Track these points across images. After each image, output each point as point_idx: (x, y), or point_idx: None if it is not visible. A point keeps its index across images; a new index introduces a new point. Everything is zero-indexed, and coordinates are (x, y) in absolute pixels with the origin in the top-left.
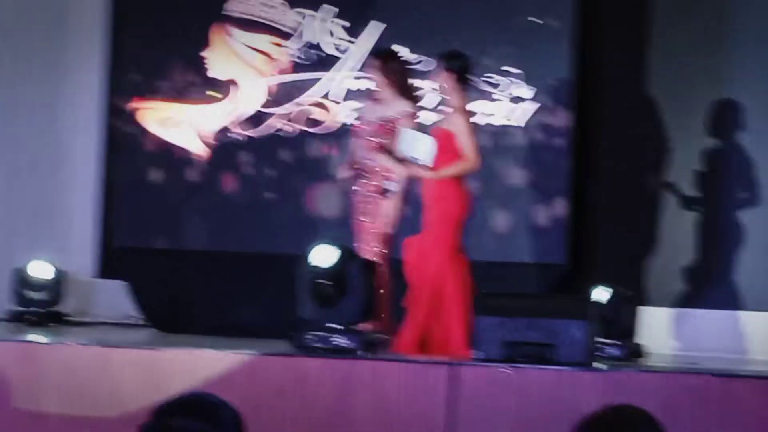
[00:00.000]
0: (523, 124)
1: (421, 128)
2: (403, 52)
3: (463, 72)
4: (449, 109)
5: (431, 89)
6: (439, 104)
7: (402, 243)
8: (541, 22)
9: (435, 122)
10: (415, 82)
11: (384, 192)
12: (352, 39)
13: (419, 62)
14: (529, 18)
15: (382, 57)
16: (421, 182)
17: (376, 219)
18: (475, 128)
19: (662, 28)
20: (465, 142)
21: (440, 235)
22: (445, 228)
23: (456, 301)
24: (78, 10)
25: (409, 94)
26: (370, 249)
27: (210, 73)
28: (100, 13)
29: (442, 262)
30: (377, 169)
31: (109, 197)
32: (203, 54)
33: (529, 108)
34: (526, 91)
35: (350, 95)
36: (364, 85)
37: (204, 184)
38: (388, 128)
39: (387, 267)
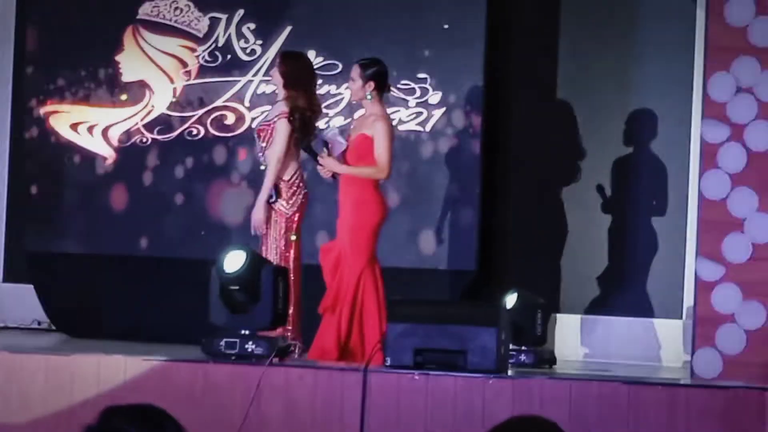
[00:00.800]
0: (433, 130)
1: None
2: (310, 55)
3: (380, 79)
4: (370, 116)
5: (347, 94)
6: (346, 108)
7: (319, 248)
8: (446, 26)
9: (353, 127)
10: (326, 87)
11: (269, 199)
12: (262, 43)
13: (329, 66)
14: (441, 24)
15: (283, 55)
16: (337, 188)
17: (269, 225)
18: (394, 135)
19: (572, 36)
20: (379, 150)
21: (357, 241)
22: (363, 234)
23: (371, 307)
24: None
25: (297, 100)
26: (270, 254)
27: (123, 77)
28: (10, 14)
29: (359, 268)
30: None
31: (15, 201)
32: (117, 58)
33: (439, 114)
34: (437, 98)
35: (260, 99)
36: (273, 88)
37: (112, 188)
38: (267, 130)
39: (295, 272)
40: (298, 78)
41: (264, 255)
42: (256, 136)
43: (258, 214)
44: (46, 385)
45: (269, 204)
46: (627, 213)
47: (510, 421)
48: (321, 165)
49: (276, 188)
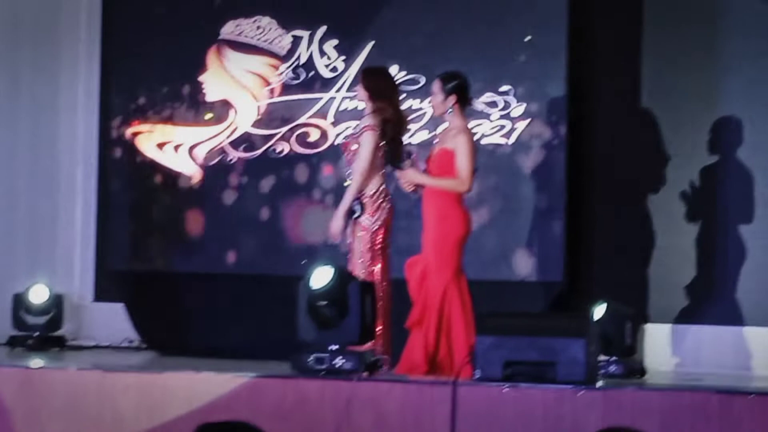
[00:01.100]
0: (517, 142)
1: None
2: (393, 70)
3: (461, 92)
4: (451, 129)
5: (430, 109)
6: (429, 122)
7: (404, 263)
8: (528, 38)
9: (436, 142)
10: (409, 102)
11: (351, 214)
12: (345, 59)
13: (411, 81)
14: (523, 36)
15: (364, 71)
16: (421, 203)
17: (354, 239)
18: (477, 149)
19: (656, 43)
20: (461, 163)
21: (442, 255)
22: (446, 248)
23: (458, 321)
24: (73, 32)
25: (384, 110)
26: (356, 270)
27: (206, 96)
28: (97, 36)
29: (444, 282)
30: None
31: (105, 220)
32: (200, 78)
33: (523, 126)
34: (521, 110)
35: (343, 115)
36: (357, 104)
37: (199, 206)
38: (352, 144)
39: (384, 287)
40: (382, 90)
41: (351, 270)
42: (341, 149)
43: (335, 224)
44: (138, 403)
45: (354, 219)
46: (714, 221)
47: None
48: (399, 176)
49: (360, 203)
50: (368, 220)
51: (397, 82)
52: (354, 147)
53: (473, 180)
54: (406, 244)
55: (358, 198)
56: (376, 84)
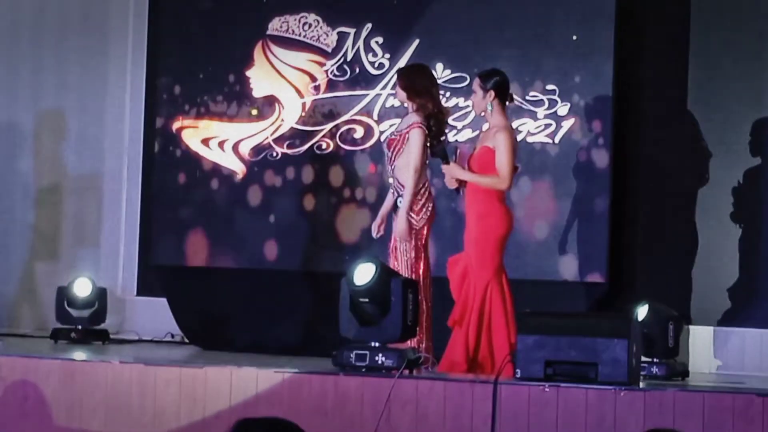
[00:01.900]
0: (562, 142)
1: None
2: (438, 68)
3: (500, 90)
4: (492, 127)
5: (470, 107)
6: (474, 121)
7: (446, 261)
8: (575, 38)
9: (477, 139)
10: (454, 100)
11: (396, 207)
12: (390, 56)
13: (457, 79)
14: (569, 35)
15: (399, 71)
16: (463, 201)
17: (394, 235)
18: (518, 147)
19: (702, 45)
20: (501, 160)
21: (483, 254)
22: (487, 246)
23: (499, 320)
24: (120, 27)
25: (426, 107)
26: (400, 267)
27: (253, 92)
28: (143, 31)
29: (485, 280)
30: (394, 185)
31: (149, 215)
32: (247, 73)
33: (568, 126)
34: (566, 109)
35: (389, 112)
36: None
37: (243, 202)
38: (398, 141)
39: (426, 284)
40: (420, 87)
41: (393, 268)
42: (385, 147)
43: (402, 224)
44: (180, 397)
45: (396, 211)
46: (758, 223)
47: None
48: (445, 170)
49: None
50: (414, 218)
51: (434, 77)
52: (397, 145)
53: (514, 178)
54: (451, 242)
55: (402, 195)
56: (413, 82)
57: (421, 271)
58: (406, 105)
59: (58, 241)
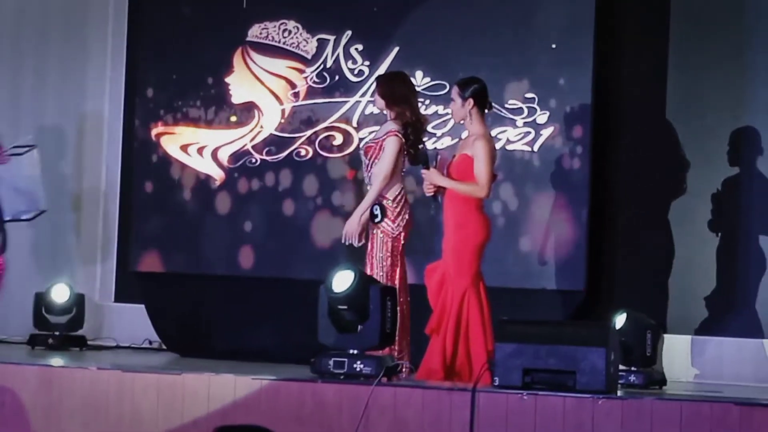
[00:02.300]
0: (541, 150)
1: (437, 152)
2: (417, 75)
3: (479, 97)
4: (471, 135)
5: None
6: (454, 129)
7: (424, 269)
8: (554, 46)
9: (456, 147)
10: (434, 107)
11: (373, 217)
12: (370, 63)
13: (436, 86)
14: (549, 43)
15: (378, 79)
16: (441, 209)
17: (373, 244)
18: (496, 155)
19: (681, 54)
20: (479, 169)
21: (460, 262)
22: (465, 254)
23: (476, 327)
24: (99, 33)
25: (404, 115)
26: (376, 274)
27: (232, 98)
28: (123, 36)
29: (463, 288)
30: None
31: (127, 222)
32: (226, 80)
33: (547, 134)
34: (545, 117)
35: (368, 119)
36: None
37: (221, 208)
38: (374, 148)
39: (401, 291)
40: (398, 95)
41: (370, 274)
42: (362, 153)
43: (352, 225)
44: (158, 403)
45: (375, 223)
46: (736, 232)
47: None
48: (424, 176)
49: (381, 207)
50: (390, 225)
51: (413, 85)
52: (373, 152)
53: (492, 186)
54: (427, 250)
55: (379, 202)
56: (392, 90)
57: (397, 279)
58: (385, 112)
59: (36, 247)
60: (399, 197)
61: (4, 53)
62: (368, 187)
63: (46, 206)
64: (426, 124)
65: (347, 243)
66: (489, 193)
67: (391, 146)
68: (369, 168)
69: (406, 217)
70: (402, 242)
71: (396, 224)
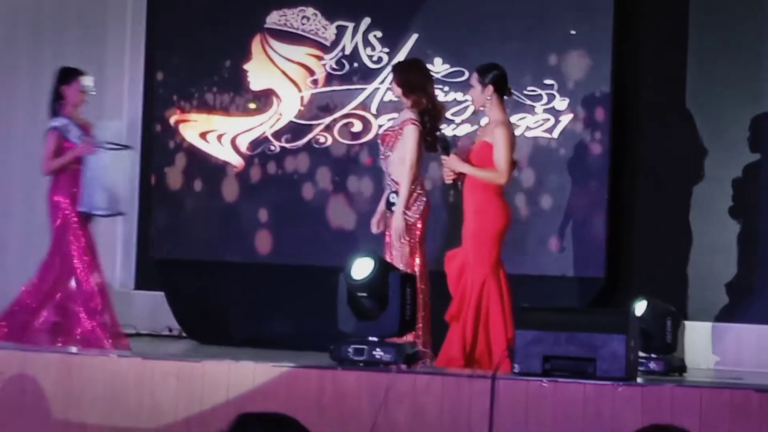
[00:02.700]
0: (560, 137)
1: (454, 139)
2: (436, 62)
3: (498, 84)
4: (490, 122)
5: (468, 102)
6: (473, 115)
7: (444, 256)
8: (573, 32)
9: (475, 134)
10: (452, 95)
11: (389, 206)
12: (389, 51)
13: (455, 73)
14: (568, 30)
15: (394, 67)
16: (461, 196)
17: (391, 232)
18: (516, 141)
19: (701, 40)
20: (498, 155)
21: (480, 249)
22: (485, 241)
23: (496, 314)
24: (118, 21)
25: (420, 102)
26: (396, 262)
27: (250, 85)
28: (142, 24)
29: (482, 275)
30: (387, 180)
31: (147, 209)
32: (245, 66)
33: (567, 121)
34: (564, 104)
35: (386, 106)
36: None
37: (241, 195)
38: (392, 136)
39: (421, 279)
40: (415, 83)
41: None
42: (379, 141)
43: (399, 222)
44: (177, 391)
45: (392, 212)
46: (757, 219)
47: (645, 430)
48: (444, 162)
49: (397, 195)
50: (407, 213)
51: (429, 72)
52: (390, 140)
53: (512, 173)
54: (448, 237)
55: (395, 190)
56: (408, 78)
57: (416, 267)
58: (402, 100)
59: None
60: (415, 185)
61: (24, 44)
62: (388, 175)
63: (126, 209)
64: (444, 111)
65: (399, 242)
66: (509, 179)
67: (411, 134)
68: (386, 156)
69: (423, 204)
70: (420, 230)
71: (412, 212)
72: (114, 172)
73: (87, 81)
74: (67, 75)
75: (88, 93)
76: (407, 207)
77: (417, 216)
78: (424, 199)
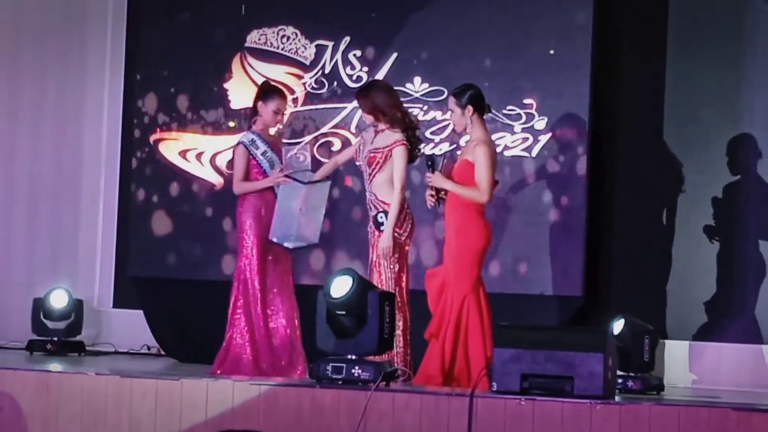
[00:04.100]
0: (539, 156)
1: (438, 157)
2: (415, 82)
3: (476, 103)
4: (472, 141)
5: (448, 120)
6: (452, 134)
7: (424, 274)
8: (552, 52)
9: (457, 153)
10: (432, 113)
11: (377, 225)
12: (368, 70)
13: (434, 92)
14: (547, 49)
15: (357, 96)
16: (442, 214)
17: (376, 251)
18: (497, 160)
19: (679, 61)
20: (480, 174)
21: (461, 267)
22: (465, 259)
23: (475, 333)
24: (99, 39)
25: (396, 118)
26: (383, 280)
27: (231, 104)
28: (122, 42)
29: (462, 293)
30: (372, 201)
31: (126, 227)
32: (225, 85)
33: (545, 140)
34: (543, 123)
35: (366, 125)
36: None
37: (221, 214)
38: (379, 158)
39: (403, 298)
40: (380, 104)
41: (377, 281)
42: (365, 164)
43: (387, 242)
44: (156, 409)
45: (381, 231)
46: (734, 238)
47: None
48: (429, 179)
49: (386, 215)
50: (397, 232)
51: (391, 88)
52: (377, 162)
53: (494, 192)
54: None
55: (383, 210)
56: (373, 102)
57: (403, 283)
58: (377, 125)
59: (35, 252)
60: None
61: (2, 59)
62: (370, 196)
63: (317, 240)
64: (417, 122)
65: (386, 260)
66: (491, 198)
67: (401, 156)
68: (372, 177)
69: (410, 222)
70: (407, 247)
71: (402, 230)
72: (312, 204)
73: (280, 104)
74: (266, 93)
75: (281, 114)
76: (398, 225)
77: (406, 234)
78: (412, 217)
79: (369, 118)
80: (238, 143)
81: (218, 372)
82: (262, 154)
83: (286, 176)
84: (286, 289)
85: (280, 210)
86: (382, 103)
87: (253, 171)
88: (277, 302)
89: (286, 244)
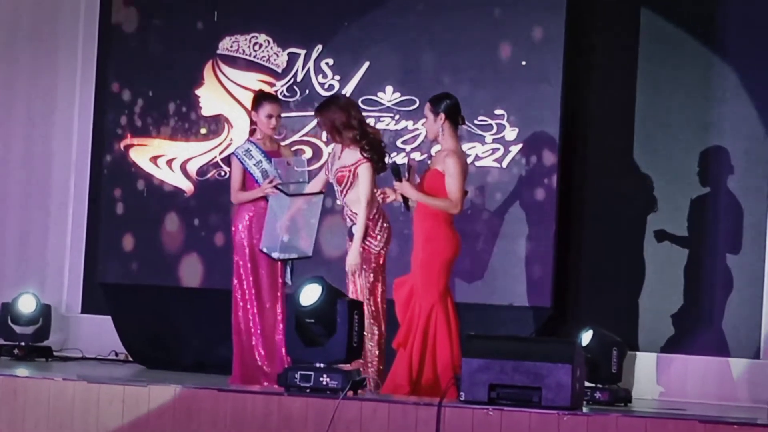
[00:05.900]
0: (509, 166)
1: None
2: (387, 91)
3: (450, 113)
4: (443, 151)
5: (424, 131)
6: (423, 144)
7: (392, 283)
8: (524, 63)
9: (426, 162)
10: (403, 123)
11: (350, 235)
12: (340, 78)
13: (406, 102)
14: (519, 60)
15: (316, 114)
16: (411, 223)
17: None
18: (468, 171)
19: (650, 73)
20: (451, 185)
21: (429, 276)
22: (433, 269)
23: (443, 342)
24: (70, 44)
25: (352, 138)
26: (358, 290)
27: (202, 111)
28: (93, 47)
29: (430, 303)
30: (347, 214)
31: (95, 233)
32: (197, 92)
33: (516, 150)
34: (514, 134)
35: None
36: None
37: (190, 220)
38: (347, 176)
39: (378, 308)
40: (339, 122)
41: (351, 292)
42: (335, 182)
43: (353, 260)
44: (123, 415)
45: (350, 238)
46: (703, 251)
47: None
48: (397, 188)
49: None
50: (374, 243)
51: (350, 104)
52: (346, 180)
53: (463, 202)
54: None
55: (354, 222)
56: (332, 120)
57: (378, 293)
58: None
59: (3, 257)
60: (376, 215)
61: None
62: (346, 209)
63: (311, 253)
64: (379, 135)
65: (351, 276)
66: (461, 209)
67: (366, 173)
68: (344, 194)
69: (386, 231)
70: (384, 257)
71: (378, 241)
72: (305, 217)
73: (271, 108)
74: (256, 101)
75: (275, 117)
76: (373, 237)
77: (382, 244)
78: (387, 225)
79: (332, 138)
80: (232, 153)
81: (237, 383)
82: (255, 165)
83: (275, 187)
84: (279, 299)
85: (269, 221)
86: (339, 122)
87: (249, 180)
88: (273, 312)
89: (273, 255)
